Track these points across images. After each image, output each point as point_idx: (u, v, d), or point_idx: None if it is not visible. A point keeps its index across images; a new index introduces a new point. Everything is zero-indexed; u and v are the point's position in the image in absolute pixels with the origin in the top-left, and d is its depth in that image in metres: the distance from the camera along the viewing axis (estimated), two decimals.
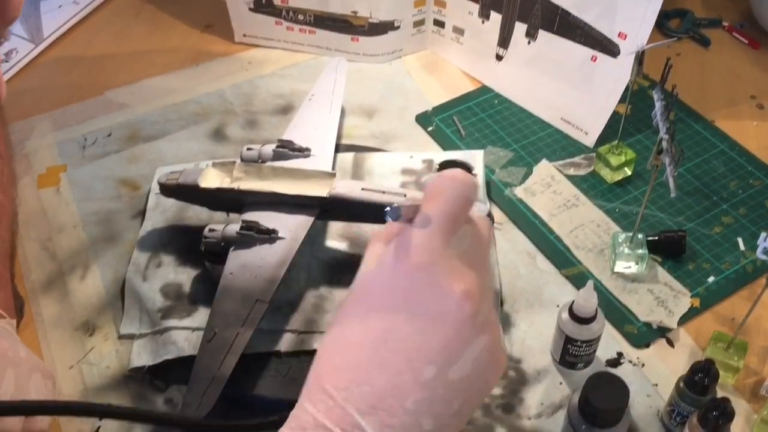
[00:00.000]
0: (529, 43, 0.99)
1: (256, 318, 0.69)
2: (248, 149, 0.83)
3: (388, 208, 0.42)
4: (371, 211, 0.76)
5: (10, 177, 0.85)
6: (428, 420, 0.39)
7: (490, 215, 0.74)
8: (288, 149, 0.82)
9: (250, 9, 1.09)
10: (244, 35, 1.13)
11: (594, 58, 0.93)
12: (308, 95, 0.93)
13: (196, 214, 0.85)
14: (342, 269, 0.80)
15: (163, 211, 0.86)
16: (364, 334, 0.40)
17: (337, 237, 0.83)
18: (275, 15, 1.09)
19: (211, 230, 0.74)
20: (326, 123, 0.89)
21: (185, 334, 0.74)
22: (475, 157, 0.87)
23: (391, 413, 0.38)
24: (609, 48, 0.91)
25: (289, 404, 0.72)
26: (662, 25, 1.14)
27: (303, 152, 0.83)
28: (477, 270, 0.42)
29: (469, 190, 0.43)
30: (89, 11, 1.20)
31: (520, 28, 0.99)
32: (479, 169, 0.89)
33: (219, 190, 0.77)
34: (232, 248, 0.74)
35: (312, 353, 0.73)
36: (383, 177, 0.90)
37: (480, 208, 0.74)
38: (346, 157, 0.92)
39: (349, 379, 0.39)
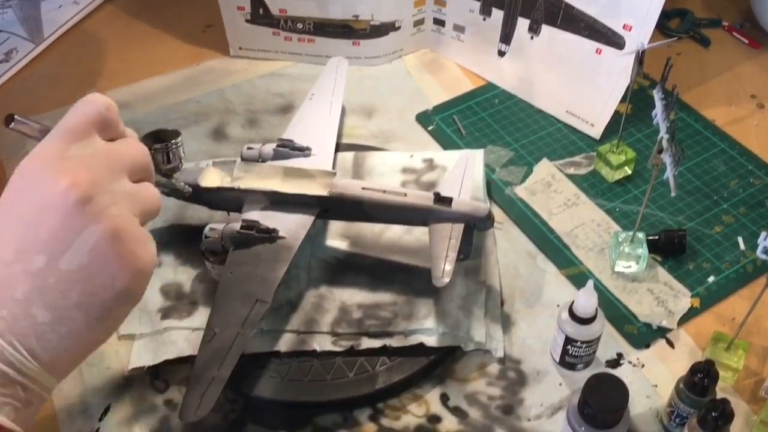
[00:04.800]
0: (531, 38, 0.99)
1: (257, 318, 0.69)
2: (248, 148, 0.83)
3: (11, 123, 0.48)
4: (371, 211, 0.76)
5: None
6: (41, 310, 0.42)
7: (490, 215, 0.74)
8: (288, 148, 0.82)
9: (247, 21, 1.08)
10: (240, 48, 1.11)
11: (599, 51, 0.93)
12: (309, 94, 0.93)
13: (196, 213, 0.85)
14: (342, 269, 0.80)
15: (163, 211, 0.86)
16: None
17: (337, 236, 0.83)
18: (273, 25, 1.07)
19: (211, 230, 0.74)
20: (326, 122, 0.89)
21: (185, 334, 0.74)
22: (476, 157, 0.87)
23: (1, 304, 0.41)
24: (614, 40, 0.91)
25: (289, 405, 0.72)
26: (662, 25, 1.14)
27: (303, 151, 0.83)
28: (98, 170, 0.45)
29: (96, 107, 0.46)
30: (89, 11, 1.20)
31: (522, 24, 0.99)
32: (479, 168, 0.89)
33: (219, 190, 0.76)
34: (232, 248, 0.74)
35: (312, 353, 0.73)
36: (383, 176, 0.90)
37: (480, 207, 0.74)
38: (347, 156, 0.92)
39: None
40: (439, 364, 0.74)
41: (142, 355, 0.73)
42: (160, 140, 0.63)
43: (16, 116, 0.48)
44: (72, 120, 0.46)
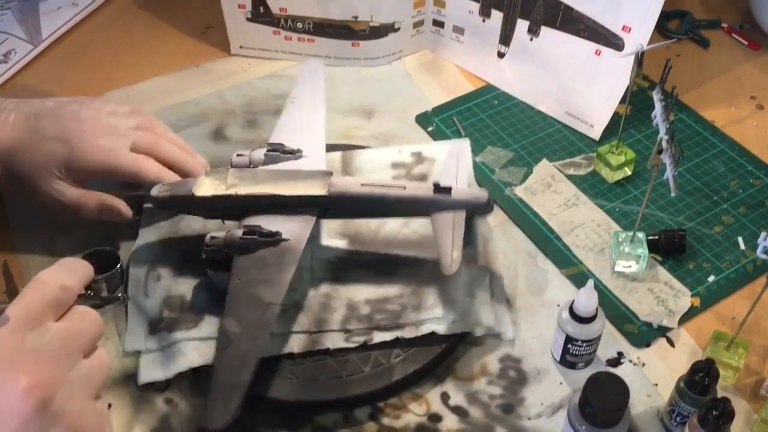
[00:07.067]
0: (531, 39, 0.99)
1: (270, 321, 0.68)
2: (238, 155, 0.80)
3: None
4: (372, 207, 0.76)
5: None
6: None
7: (489, 200, 0.75)
8: (279, 152, 0.81)
9: (248, 19, 1.08)
10: (241, 47, 1.11)
11: (598, 52, 0.93)
12: (289, 99, 0.90)
13: (189, 224, 0.82)
14: (344, 267, 0.80)
15: (157, 225, 0.84)
16: None
17: (335, 236, 0.83)
18: (273, 24, 1.07)
19: (212, 238, 0.73)
20: (313, 124, 0.87)
21: (194, 345, 0.72)
22: (462, 147, 0.89)
23: None
24: (613, 42, 0.91)
25: (308, 405, 0.71)
26: (662, 26, 1.14)
27: (294, 154, 0.82)
28: (58, 362, 0.43)
29: (51, 290, 0.45)
30: (88, 12, 1.20)
31: (522, 25, 0.99)
32: (466, 158, 0.90)
33: (216, 198, 0.75)
34: (237, 254, 0.73)
35: (325, 352, 0.72)
36: (373, 173, 0.90)
37: (480, 193, 0.75)
38: (334, 156, 0.91)
39: None
40: (441, 362, 0.74)
41: (152, 371, 0.72)
42: (100, 257, 0.70)
43: None
44: (26, 306, 0.44)
